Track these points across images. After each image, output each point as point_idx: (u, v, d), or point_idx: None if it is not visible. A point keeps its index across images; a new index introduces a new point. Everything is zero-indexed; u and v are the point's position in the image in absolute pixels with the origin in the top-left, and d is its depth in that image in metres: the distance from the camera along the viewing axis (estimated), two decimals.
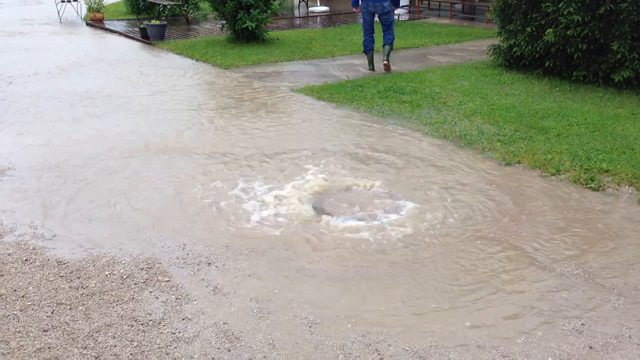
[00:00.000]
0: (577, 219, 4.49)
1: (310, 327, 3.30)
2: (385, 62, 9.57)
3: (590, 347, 3.10)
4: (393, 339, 3.19)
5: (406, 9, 17.88)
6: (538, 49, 8.58)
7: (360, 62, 10.36)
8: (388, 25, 9.58)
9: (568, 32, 8.03)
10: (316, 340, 3.19)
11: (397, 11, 15.91)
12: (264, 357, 3.05)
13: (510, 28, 8.96)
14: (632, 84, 7.85)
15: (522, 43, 8.76)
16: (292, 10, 18.70)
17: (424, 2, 17.94)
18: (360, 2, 9.42)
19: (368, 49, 9.56)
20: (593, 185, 5.00)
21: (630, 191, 4.90)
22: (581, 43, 8.04)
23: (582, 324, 3.28)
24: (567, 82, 8.36)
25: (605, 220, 4.47)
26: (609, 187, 4.99)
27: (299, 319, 3.37)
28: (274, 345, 3.14)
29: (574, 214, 4.57)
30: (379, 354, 3.07)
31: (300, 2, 18.94)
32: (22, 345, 3.13)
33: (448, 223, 4.47)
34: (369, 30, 9.47)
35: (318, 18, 16.99)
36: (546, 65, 8.62)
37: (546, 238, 4.22)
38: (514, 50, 8.98)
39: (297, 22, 16.31)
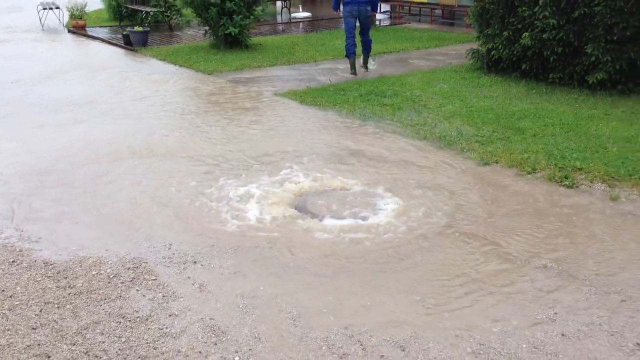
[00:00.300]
0: (552, 215, 4.64)
1: (294, 320, 3.40)
2: (366, 70, 10.13)
3: (563, 335, 3.23)
4: (375, 330, 3.30)
5: (387, 15, 18.09)
6: (515, 53, 8.79)
7: (342, 66, 10.50)
8: (367, 29, 9.94)
9: (544, 36, 8.24)
10: (300, 332, 3.29)
11: (378, 16, 16.15)
12: (250, 349, 3.15)
13: (489, 32, 9.16)
14: (605, 86, 8.06)
15: (500, 47, 8.96)
16: (275, 16, 18.83)
17: (404, 7, 18.16)
18: (343, 7, 9.65)
19: (350, 53, 9.76)
20: (567, 183, 5.16)
21: (602, 188, 5.07)
22: (556, 46, 8.25)
23: (555, 313, 3.41)
24: (544, 84, 8.57)
25: (579, 215, 4.63)
26: (582, 184, 5.16)
27: (283, 313, 3.47)
28: (259, 339, 3.24)
29: (548, 210, 4.72)
30: (361, 345, 3.18)
31: (282, 8, 19.07)
32: (11, 343, 3.20)
33: (428, 220, 4.60)
34: (352, 34, 9.70)
35: (300, 24, 17.13)
36: (523, 68, 8.82)
37: (522, 233, 4.36)
38: (492, 53, 9.18)
39: (280, 27, 16.44)
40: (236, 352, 3.13)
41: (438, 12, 16.96)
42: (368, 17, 9.76)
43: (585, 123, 6.76)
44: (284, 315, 3.44)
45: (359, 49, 10.05)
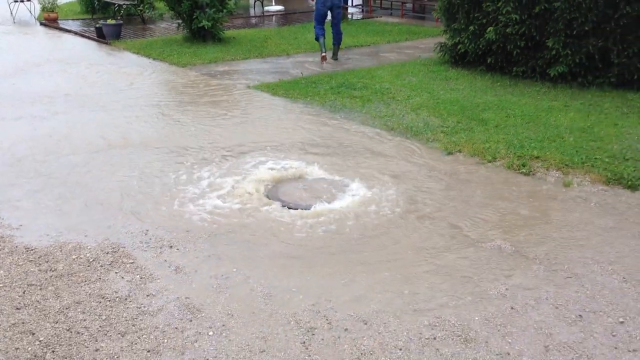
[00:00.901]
0: (508, 200, 4.94)
1: (265, 299, 3.63)
2: (336, 60, 10.60)
3: (512, 308, 3.52)
4: (340, 307, 3.55)
5: (359, 8, 18.32)
6: (480, 46, 9.09)
7: (314, 59, 10.73)
8: (339, 21, 10.49)
9: (507, 30, 8.55)
10: (270, 309, 3.52)
11: (350, 10, 16.40)
12: (223, 325, 3.38)
13: (455, 27, 9.46)
14: (566, 78, 8.41)
15: (466, 41, 9.26)
16: (248, 10, 18.94)
17: (376, 1, 18.42)
18: None
19: (319, 35, 10.29)
20: (524, 171, 5.47)
21: (557, 175, 5.38)
22: (519, 40, 8.57)
23: (507, 289, 3.70)
24: (508, 77, 8.90)
25: (533, 200, 4.94)
26: (538, 171, 5.47)
27: (255, 292, 3.70)
28: (232, 315, 3.46)
29: (506, 196, 5.02)
30: (327, 320, 3.42)
31: (255, 1, 19.18)
32: None
33: (393, 206, 4.86)
34: (321, 22, 10.30)
35: (273, 17, 17.29)
36: (488, 61, 9.13)
37: (480, 217, 4.65)
38: (459, 47, 9.48)
39: (253, 21, 16.57)
40: (210, 327, 3.35)
41: (409, 5, 17.26)
42: (339, 7, 10.35)
43: (545, 114, 7.08)
44: (255, 295, 3.67)
45: (329, 41, 10.47)
